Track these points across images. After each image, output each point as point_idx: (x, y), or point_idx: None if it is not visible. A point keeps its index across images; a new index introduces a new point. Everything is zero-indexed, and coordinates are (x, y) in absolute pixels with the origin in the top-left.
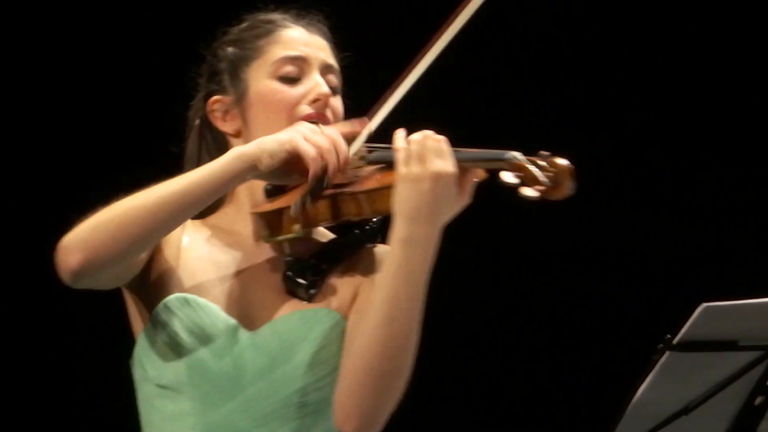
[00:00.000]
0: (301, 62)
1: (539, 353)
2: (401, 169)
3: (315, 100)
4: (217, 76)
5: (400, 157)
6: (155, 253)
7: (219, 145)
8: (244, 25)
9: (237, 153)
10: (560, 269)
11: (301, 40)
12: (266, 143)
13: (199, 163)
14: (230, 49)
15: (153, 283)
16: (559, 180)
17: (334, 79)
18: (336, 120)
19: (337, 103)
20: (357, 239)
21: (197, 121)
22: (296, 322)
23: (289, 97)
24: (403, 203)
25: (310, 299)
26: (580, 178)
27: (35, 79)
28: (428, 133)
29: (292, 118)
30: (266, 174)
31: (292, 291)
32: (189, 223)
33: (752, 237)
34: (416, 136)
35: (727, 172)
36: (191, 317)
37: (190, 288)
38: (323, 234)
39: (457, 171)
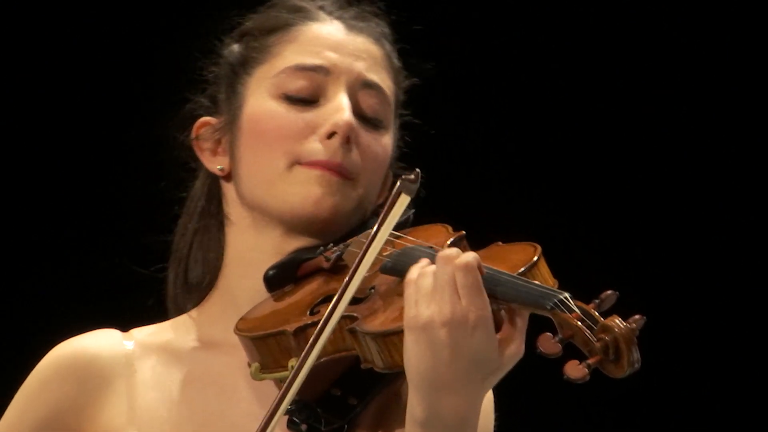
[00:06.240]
0: (321, 75)
1: None
2: (408, 312)
3: (330, 134)
4: (213, 87)
5: (407, 295)
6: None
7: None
8: (263, 11)
9: None
10: None
11: (329, 39)
12: None
13: (196, 232)
14: (236, 47)
15: None
16: (619, 350)
17: (376, 104)
18: (368, 169)
19: (373, 140)
20: None
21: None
22: None
23: (290, 127)
24: (413, 365)
25: None
26: None
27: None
28: (450, 254)
29: (290, 158)
30: None
31: None
32: (148, 336)
33: None
34: (439, 261)
35: None
36: None
37: None
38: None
39: (490, 312)
